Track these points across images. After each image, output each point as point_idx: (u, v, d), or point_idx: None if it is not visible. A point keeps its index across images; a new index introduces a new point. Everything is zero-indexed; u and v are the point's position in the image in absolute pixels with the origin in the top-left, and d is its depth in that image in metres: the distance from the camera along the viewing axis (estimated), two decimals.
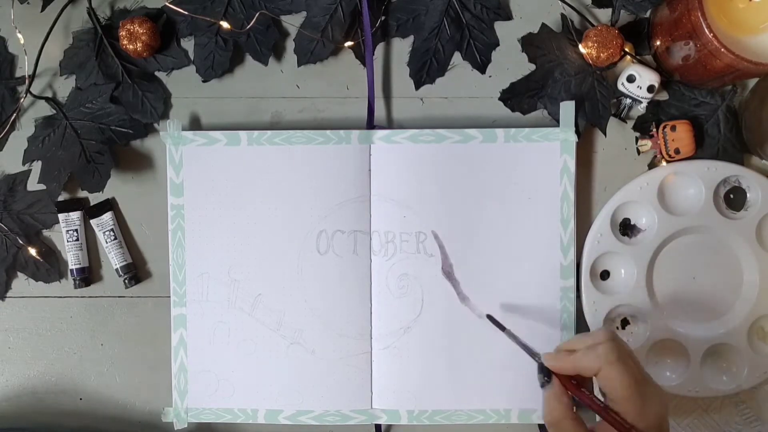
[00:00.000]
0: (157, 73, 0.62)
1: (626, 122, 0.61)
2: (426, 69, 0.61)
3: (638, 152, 0.61)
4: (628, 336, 0.61)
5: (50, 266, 0.62)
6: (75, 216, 0.61)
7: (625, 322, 0.61)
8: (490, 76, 0.61)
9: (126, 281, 0.62)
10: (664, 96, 0.60)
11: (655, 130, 0.60)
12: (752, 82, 0.60)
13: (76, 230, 0.61)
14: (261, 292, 0.60)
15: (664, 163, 0.60)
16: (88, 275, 0.62)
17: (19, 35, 0.60)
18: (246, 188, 0.60)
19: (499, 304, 0.59)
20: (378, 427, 0.61)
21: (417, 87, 0.61)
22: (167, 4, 0.60)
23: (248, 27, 0.59)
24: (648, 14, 0.60)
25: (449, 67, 0.61)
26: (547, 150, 0.59)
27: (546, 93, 0.60)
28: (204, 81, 0.61)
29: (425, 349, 0.60)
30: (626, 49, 0.58)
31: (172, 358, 0.61)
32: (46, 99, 0.61)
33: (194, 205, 0.60)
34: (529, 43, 0.60)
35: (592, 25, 0.60)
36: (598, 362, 0.46)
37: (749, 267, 0.60)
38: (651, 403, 0.46)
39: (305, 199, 0.60)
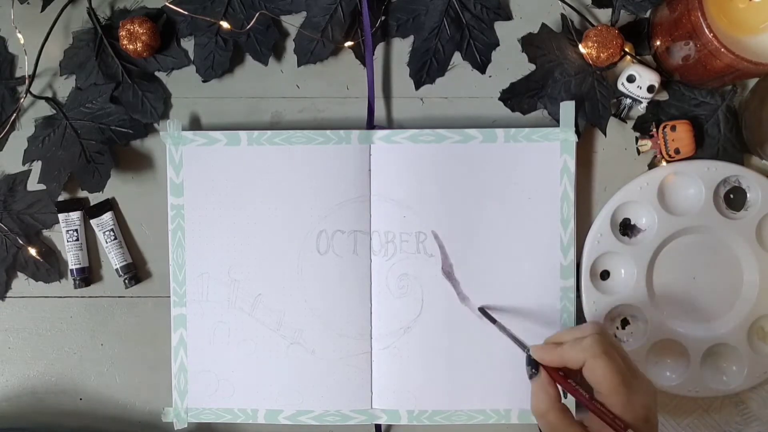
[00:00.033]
0: (157, 73, 0.62)
1: (626, 122, 0.61)
2: (426, 69, 0.61)
3: (638, 152, 0.61)
4: (628, 336, 0.61)
5: (50, 266, 0.62)
6: (75, 216, 0.61)
7: (625, 322, 0.61)
8: (490, 76, 0.61)
9: (126, 281, 0.62)
10: (664, 96, 0.60)
11: (655, 130, 0.60)
12: (752, 82, 0.60)
13: (76, 230, 0.61)
14: (261, 292, 0.60)
15: (664, 163, 0.60)
16: (88, 275, 0.62)
17: (19, 35, 0.60)
18: (246, 188, 0.60)
19: (499, 304, 0.59)
20: (378, 427, 0.61)
21: (417, 87, 0.61)
22: (167, 4, 0.60)
23: (248, 27, 0.59)
24: (648, 14, 0.60)
25: (449, 67, 0.61)
26: (547, 150, 0.59)
27: (546, 93, 0.60)
28: (204, 81, 0.61)
29: (425, 349, 0.60)
30: (626, 49, 0.58)
31: (172, 358, 0.61)
32: (46, 99, 0.61)
33: (194, 205, 0.60)
34: (529, 43, 0.60)
35: (592, 25, 0.60)
36: (583, 354, 0.47)
37: (749, 267, 0.60)
38: (638, 395, 0.46)
39: (305, 199, 0.60)
